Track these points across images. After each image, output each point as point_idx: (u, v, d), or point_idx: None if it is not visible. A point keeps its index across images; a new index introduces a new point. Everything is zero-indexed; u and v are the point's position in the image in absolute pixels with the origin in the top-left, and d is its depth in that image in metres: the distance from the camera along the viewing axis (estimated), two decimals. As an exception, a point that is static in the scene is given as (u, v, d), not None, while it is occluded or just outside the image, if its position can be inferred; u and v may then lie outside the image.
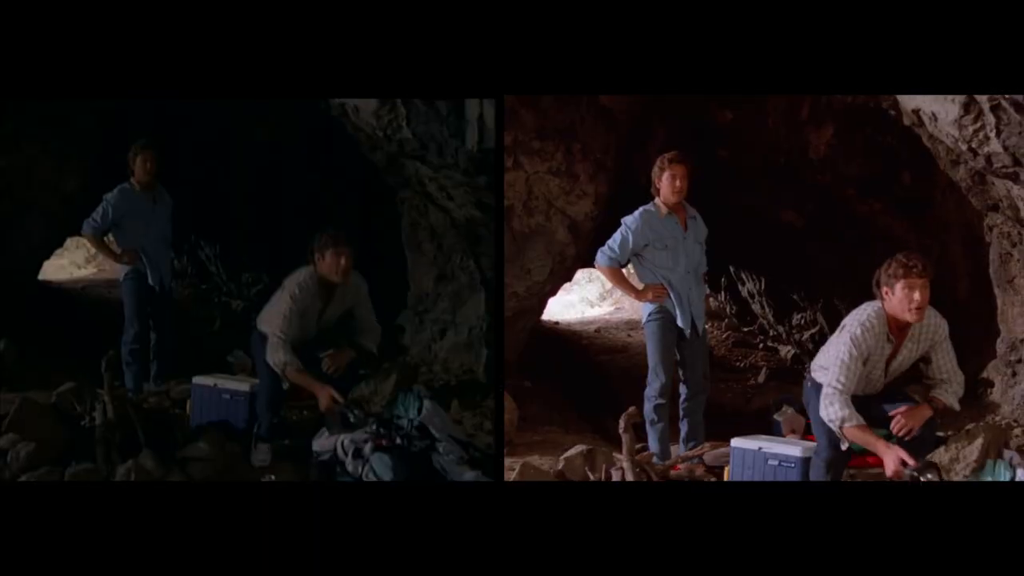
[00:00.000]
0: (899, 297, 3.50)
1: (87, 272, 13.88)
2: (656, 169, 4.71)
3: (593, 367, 9.56)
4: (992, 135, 3.53)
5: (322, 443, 4.28)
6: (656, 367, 4.83)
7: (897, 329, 3.64)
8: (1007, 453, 4.00)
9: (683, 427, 4.90)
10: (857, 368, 3.61)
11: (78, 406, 4.48)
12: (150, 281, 5.64)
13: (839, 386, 3.58)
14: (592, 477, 4.30)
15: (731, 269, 9.17)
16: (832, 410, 3.58)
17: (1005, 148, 3.56)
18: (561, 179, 5.75)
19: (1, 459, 3.97)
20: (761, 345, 10.11)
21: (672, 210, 4.71)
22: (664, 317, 4.77)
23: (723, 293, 9.96)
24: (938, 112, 3.72)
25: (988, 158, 3.74)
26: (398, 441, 4.10)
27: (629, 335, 11.61)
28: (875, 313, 3.61)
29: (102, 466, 3.95)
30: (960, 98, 3.53)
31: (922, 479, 3.36)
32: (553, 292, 6.90)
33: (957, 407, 3.84)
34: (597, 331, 11.80)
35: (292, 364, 4.27)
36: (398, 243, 7.19)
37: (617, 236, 4.75)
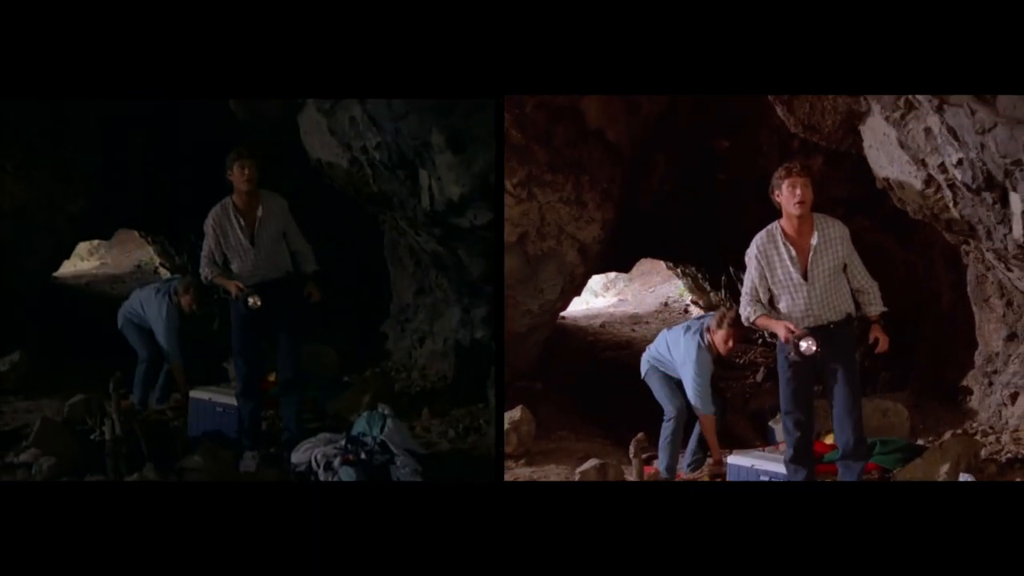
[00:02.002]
0: (786, 196, 3.97)
1: (90, 265, 14.18)
2: (715, 323, 5.13)
3: (599, 365, 9.96)
4: (950, 205, 3.96)
5: (299, 456, 4.79)
6: (672, 394, 5.30)
7: (796, 235, 4.03)
8: (963, 476, 4.34)
9: (692, 438, 5.33)
10: (760, 279, 4.10)
11: (88, 419, 5.09)
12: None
13: (745, 292, 4.20)
14: (604, 491, 4.74)
15: (731, 270, 9.60)
16: (743, 312, 4.21)
17: (961, 216, 3.99)
18: (571, 207, 6.20)
19: (27, 470, 4.52)
20: (760, 340, 10.58)
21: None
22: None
23: (723, 291, 10.37)
24: (904, 183, 4.15)
25: (948, 223, 4.18)
26: (362, 456, 4.63)
27: (633, 330, 12.00)
28: (765, 231, 4.11)
29: (112, 477, 4.46)
30: (921, 174, 3.94)
31: (802, 345, 3.94)
32: (564, 307, 7.36)
33: (883, 308, 4.21)
34: (602, 326, 12.19)
35: (212, 273, 4.87)
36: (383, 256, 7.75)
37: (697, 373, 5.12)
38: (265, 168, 4.88)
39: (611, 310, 13.64)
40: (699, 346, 5.11)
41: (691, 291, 12.03)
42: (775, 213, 4.19)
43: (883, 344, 4.19)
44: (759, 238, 4.11)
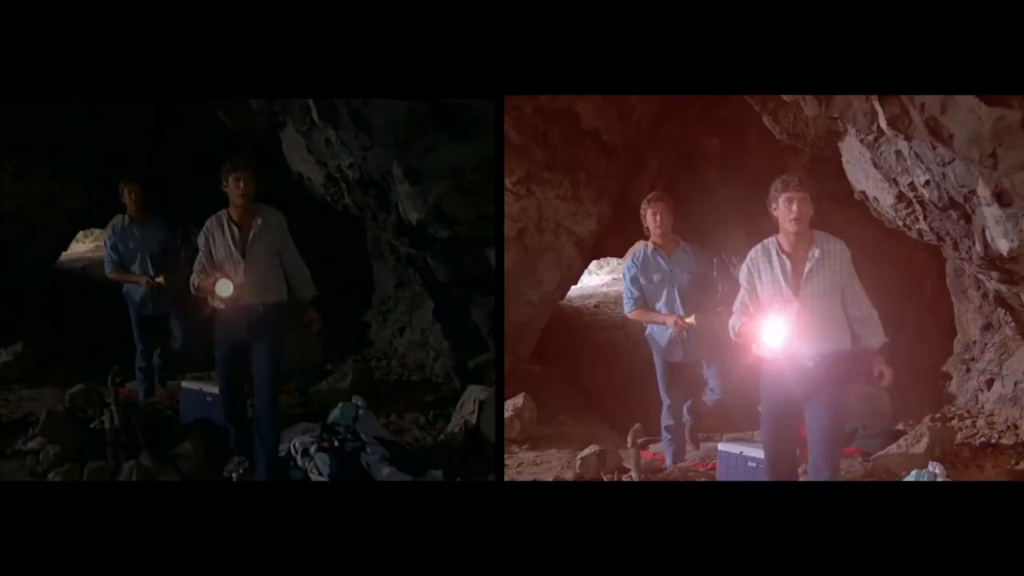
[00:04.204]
0: (782, 210, 3.70)
1: (85, 247, 14.20)
2: (642, 211, 4.97)
3: (595, 347, 10.20)
4: (920, 218, 4.21)
5: (280, 446, 5.06)
6: (664, 390, 5.25)
7: (792, 251, 3.75)
8: (932, 465, 4.39)
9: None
10: (750, 294, 3.85)
11: (89, 409, 5.42)
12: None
13: (736, 302, 3.96)
14: (605, 477, 4.93)
15: (722, 254, 9.85)
16: (731, 322, 3.96)
17: (931, 228, 4.25)
18: (568, 203, 6.46)
19: (34, 457, 4.91)
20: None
21: (659, 245, 4.98)
22: (653, 341, 5.20)
23: (714, 273, 10.60)
24: (878, 196, 4.40)
25: (919, 232, 4.44)
26: (336, 444, 4.94)
27: (628, 310, 12.20)
28: (761, 244, 3.86)
29: (111, 464, 4.80)
30: (894, 190, 4.19)
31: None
32: (562, 297, 7.63)
33: (884, 339, 3.87)
34: (597, 306, 12.39)
35: (196, 280, 4.57)
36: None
37: (625, 283, 5.14)
38: (258, 171, 4.72)
39: (605, 290, 13.83)
40: (631, 252, 5.07)
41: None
42: (766, 210, 4.12)
43: (888, 377, 3.84)
44: (753, 251, 3.87)
